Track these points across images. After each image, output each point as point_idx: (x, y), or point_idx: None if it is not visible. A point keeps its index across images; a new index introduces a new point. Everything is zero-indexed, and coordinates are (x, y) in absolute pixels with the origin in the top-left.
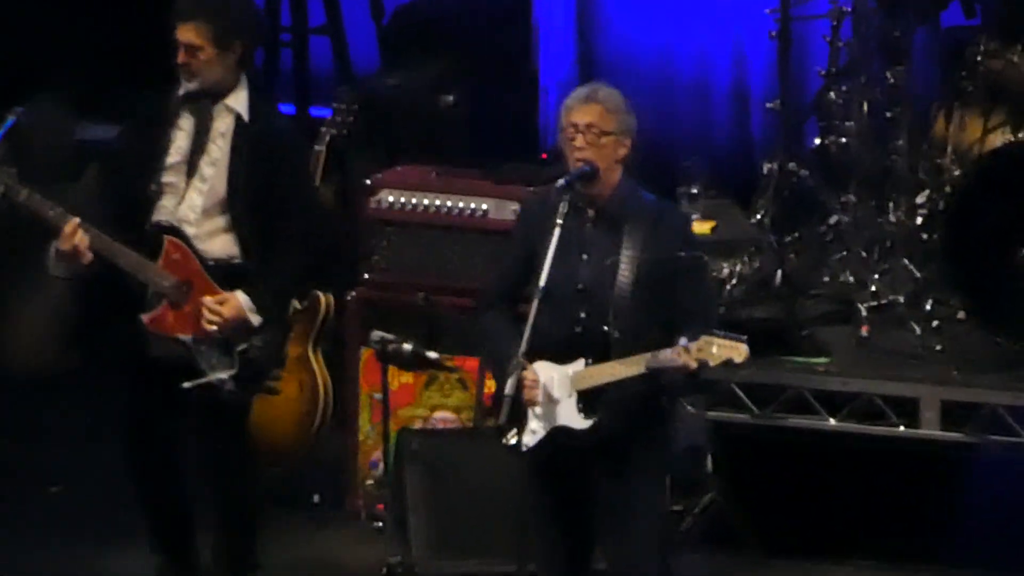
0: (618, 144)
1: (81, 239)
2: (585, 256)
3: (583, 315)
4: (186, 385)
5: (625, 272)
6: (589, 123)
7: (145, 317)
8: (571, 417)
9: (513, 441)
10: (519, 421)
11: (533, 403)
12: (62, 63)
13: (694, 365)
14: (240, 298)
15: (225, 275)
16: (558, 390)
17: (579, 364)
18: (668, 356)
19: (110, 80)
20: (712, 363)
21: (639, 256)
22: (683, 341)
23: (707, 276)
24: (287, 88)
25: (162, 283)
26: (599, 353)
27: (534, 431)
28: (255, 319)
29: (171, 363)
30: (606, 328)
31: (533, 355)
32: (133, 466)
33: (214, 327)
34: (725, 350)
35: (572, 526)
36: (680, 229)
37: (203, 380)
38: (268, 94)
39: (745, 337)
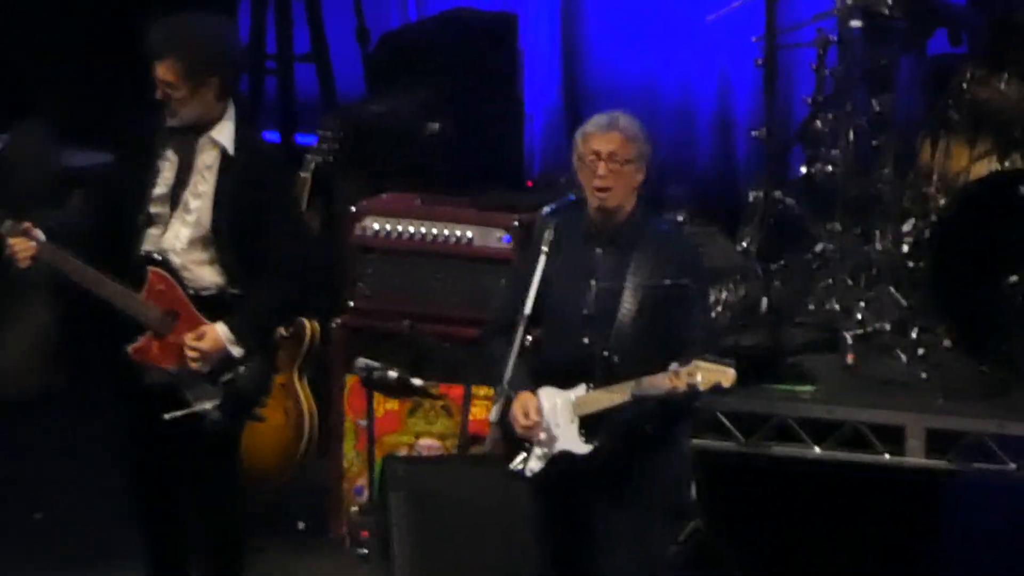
0: (636, 171)
1: (28, 246)
2: (593, 282)
3: (587, 340)
4: (167, 416)
5: (629, 299)
6: (611, 152)
7: (130, 347)
8: (573, 442)
9: (519, 467)
10: (521, 447)
11: (528, 438)
12: (46, 90)
13: (681, 389)
14: (219, 330)
15: (211, 305)
16: (561, 415)
17: (580, 389)
18: (655, 382)
19: (95, 106)
20: (701, 388)
21: (644, 283)
22: (673, 366)
23: (708, 305)
24: (272, 115)
25: (146, 314)
26: (602, 378)
27: (538, 456)
28: (236, 350)
29: (161, 390)
30: (607, 353)
31: (540, 379)
32: (134, 492)
33: (195, 364)
34: (713, 374)
35: (571, 550)
36: (688, 258)
37: (186, 411)
38: (253, 121)
39: (732, 361)
